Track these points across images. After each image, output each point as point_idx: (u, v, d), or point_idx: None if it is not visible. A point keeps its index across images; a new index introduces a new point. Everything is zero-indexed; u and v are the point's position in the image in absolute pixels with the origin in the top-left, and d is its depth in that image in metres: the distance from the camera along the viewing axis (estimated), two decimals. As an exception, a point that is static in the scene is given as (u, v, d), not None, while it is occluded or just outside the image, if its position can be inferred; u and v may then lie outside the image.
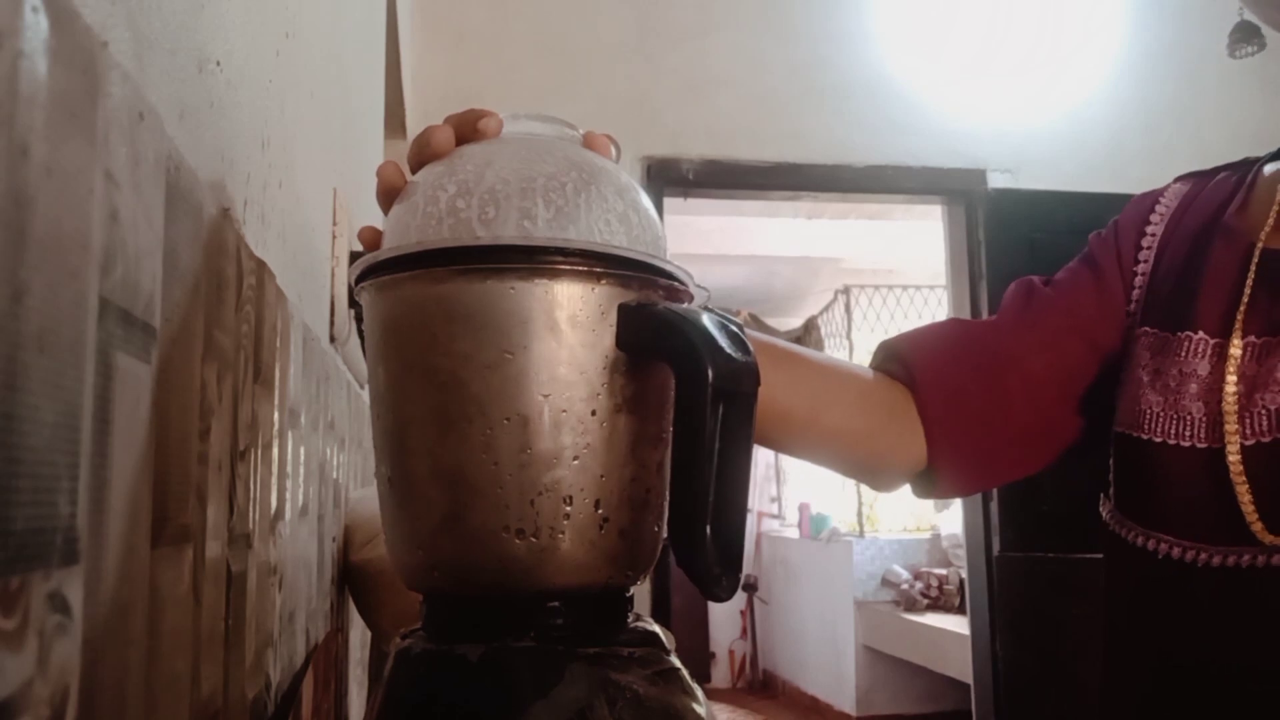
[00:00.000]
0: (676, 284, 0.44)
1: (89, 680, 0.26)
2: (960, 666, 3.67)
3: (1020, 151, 3.16)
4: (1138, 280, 0.76)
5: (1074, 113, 3.21)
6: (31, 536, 0.23)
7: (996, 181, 3.12)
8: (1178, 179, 0.80)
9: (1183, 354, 0.68)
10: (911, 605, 4.78)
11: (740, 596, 6.06)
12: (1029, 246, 2.87)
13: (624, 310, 0.41)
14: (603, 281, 0.41)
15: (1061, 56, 3.23)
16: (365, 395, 1.11)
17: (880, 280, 5.57)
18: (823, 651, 5.34)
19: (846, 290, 5.53)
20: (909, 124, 3.11)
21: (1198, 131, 3.22)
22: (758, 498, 6.35)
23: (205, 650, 0.40)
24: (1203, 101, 3.27)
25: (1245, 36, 2.75)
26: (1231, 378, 0.64)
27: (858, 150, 3.08)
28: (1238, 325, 0.66)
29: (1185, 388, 0.67)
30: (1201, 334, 0.68)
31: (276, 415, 0.54)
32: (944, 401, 0.75)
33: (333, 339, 0.90)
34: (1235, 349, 0.65)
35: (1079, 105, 3.22)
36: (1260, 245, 0.68)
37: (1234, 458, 0.63)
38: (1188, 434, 0.66)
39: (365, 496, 1.00)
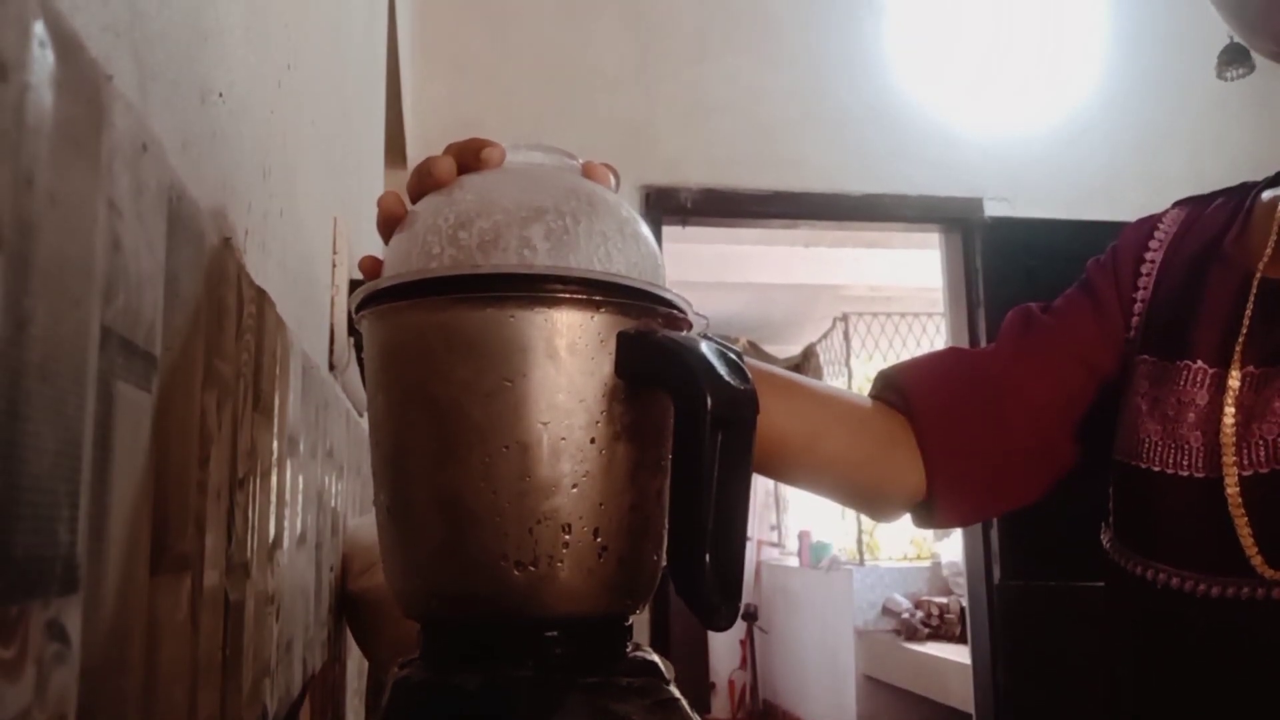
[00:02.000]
0: (675, 312, 0.44)
1: (86, 709, 0.26)
2: (962, 696, 3.64)
3: (1017, 179, 3.18)
4: (1136, 307, 0.76)
5: (1070, 140, 3.23)
6: (31, 565, 0.23)
7: (993, 209, 3.14)
8: (1175, 204, 0.80)
9: (1181, 383, 0.68)
10: (912, 634, 4.75)
11: (740, 625, 6.02)
12: (1026, 274, 2.88)
13: (623, 338, 0.41)
14: (602, 309, 0.41)
15: (1058, 84, 3.25)
16: (364, 423, 1.11)
17: (878, 308, 5.58)
18: (823, 681, 5.30)
19: (845, 317, 5.55)
20: (906, 152, 3.13)
21: (1194, 156, 3.24)
22: (757, 526, 6.32)
23: (203, 679, 0.40)
24: (1198, 126, 3.29)
25: (1234, 59, 2.78)
26: (1230, 409, 0.64)
27: (855, 178, 3.10)
28: (1236, 355, 0.66)
29: (1183, 417, 0.67)
30: (1200, 363, 0.68)
31: (275, 443, 0.54)
32: (943, 431, 0.75)
33: (332, 367, 0.90)
34: (1234, 380, 0.65)
35: (1075, 133, 3.24)
36: (1259, 275, 0.68)
37: (1232, 489, 0.62)
38: (1185, 463, 0.66)
39: (363, 524, 0.99)
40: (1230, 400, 0.64)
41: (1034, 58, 3.25)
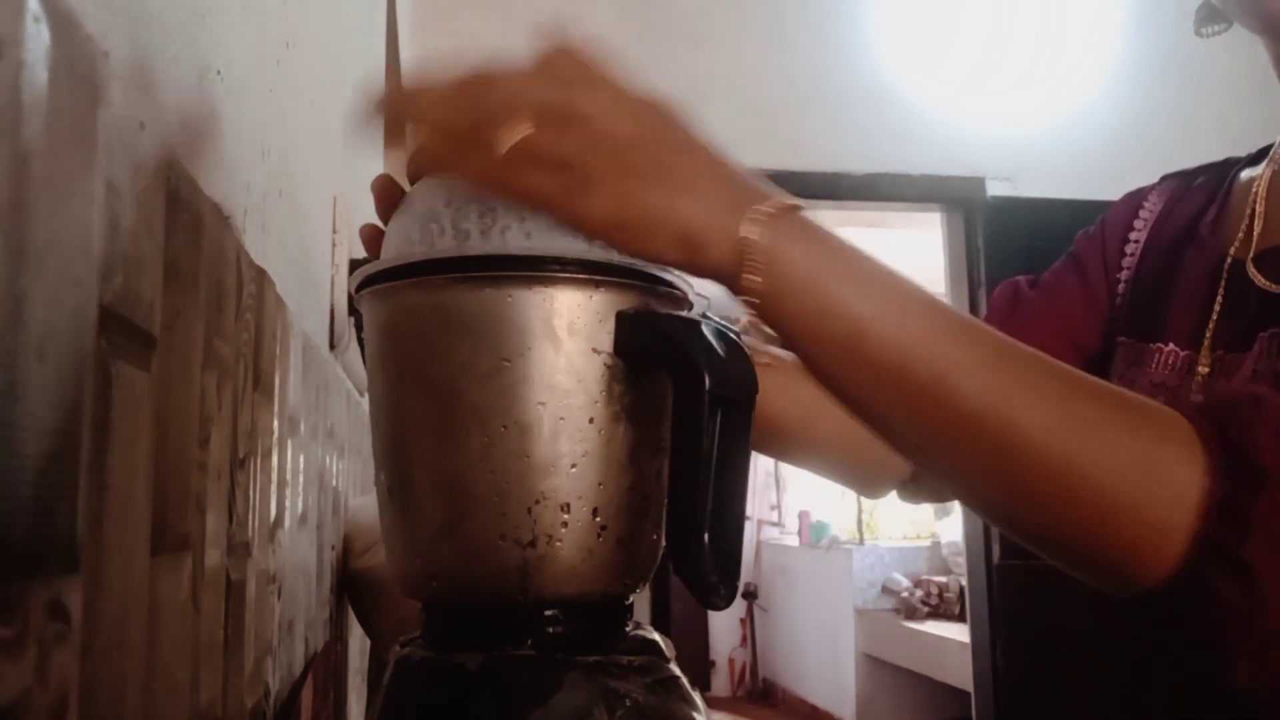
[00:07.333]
0: (675, 291, 0.44)
1: (88, 689, 0.26)
2: (961, 675, 3.66)
3: (1019, 159, 3.16)
4: (1120, 287, 0.76)
5: (1073, 121, 3.22)
6: (31, 544, 0.23)
7: (995, 189, 3.12)
8: (1163, 178, 0.81)
9: (1154, 365, 0.68)
10: (912, 613, 4.77)
11: (740, 604, 6.04)
12: (1028, 254, 2.86)
13: (622, 318, 0.41)
14: (601, 289, 0.41)
15: (1061, 65, 3.23)
16: (365, 403, 1.11)
17: (880, 288, 5.56)
18: (823, 660, 5.32)
19: (846, 298, 5.53)
20: (907, 132, 3.11)
21: (1197, 139, 3.21)
22: (757, 505, 6.33)
23: (204, 659, 0.40)
24: (1202, 109, 3.27)
25: (1210, 16, 2.76)
26: (1198, 397, 0.64)
27: (856, 158, 3.08)
28: (1207, 339, 0.66)
29: (1154, 400, 0.67)
30: (1172, 346, 0.68)
31: (276, 423, 0.54)
32: None
33: (332, 347, 0.90)
34: (1203, 365, 0.65)
35: (1078, 113, 3.22)
36: (1230, 258, 0.68)
37: None
38: None
39: (364, 504, 1.00)
40: (1197, 386, 0.64)
41: (1038, 38, 3.23)
